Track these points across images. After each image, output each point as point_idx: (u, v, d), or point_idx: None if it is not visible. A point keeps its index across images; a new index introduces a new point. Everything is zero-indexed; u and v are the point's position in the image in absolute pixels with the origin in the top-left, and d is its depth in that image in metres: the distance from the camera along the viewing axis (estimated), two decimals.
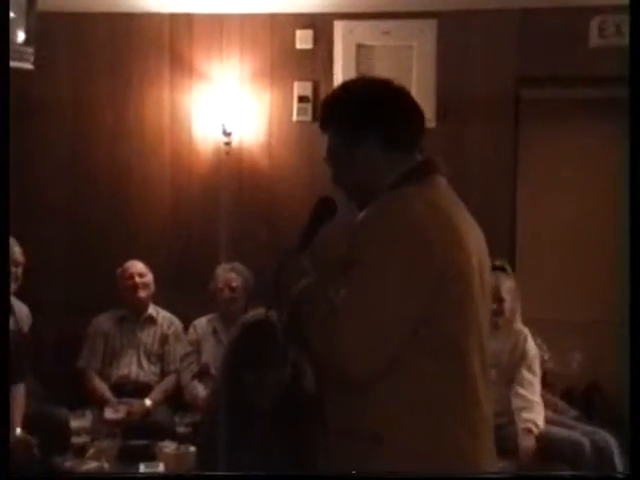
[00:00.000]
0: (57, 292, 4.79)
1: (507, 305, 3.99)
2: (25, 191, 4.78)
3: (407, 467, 1.71)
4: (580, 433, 3.84)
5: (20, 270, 3.89)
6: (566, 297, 4.92)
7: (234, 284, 4.35)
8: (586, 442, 3.76)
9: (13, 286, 3.79)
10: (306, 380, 2.48)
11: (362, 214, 1.86)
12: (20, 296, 4.06)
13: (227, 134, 4.76)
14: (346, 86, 1.99)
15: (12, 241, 3.74)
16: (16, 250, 3.85)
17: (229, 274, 4.38)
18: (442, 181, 1.89)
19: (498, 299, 3.92)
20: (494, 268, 4.05)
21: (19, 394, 3.77)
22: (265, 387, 2.43)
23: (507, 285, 4.02)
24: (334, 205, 1.95)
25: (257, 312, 2.64)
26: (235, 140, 4.80)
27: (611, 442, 3.80)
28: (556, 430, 3.84)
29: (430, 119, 4.79)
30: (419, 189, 1.82)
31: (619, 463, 3.74)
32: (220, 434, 2.46)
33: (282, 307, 1.90)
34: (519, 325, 4.10)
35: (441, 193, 1.86)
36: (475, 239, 1.86)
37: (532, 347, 4.02)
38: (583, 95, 4.72)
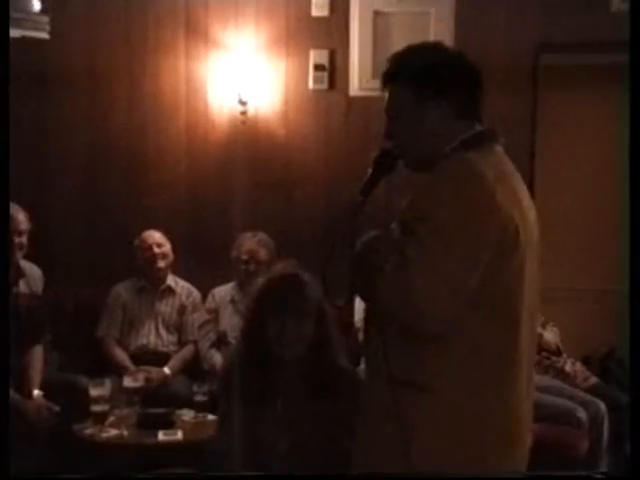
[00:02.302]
0: (76, 261, 4.82)
1: None
2: (41, 161, 4.80)
3: (453, 420, 1.82)
4: (577, 402, 3.92)
5: (25, 238, 3.83)
6: (584, 266, 4.89)
7: (260, 258, 4.30)
8: (579, 409, 3.86)
9: (19, 254, 3.76)
10: (330, 338, 2.48)
11: (429, 175, 1.89)
12: (38, 264, 4.08)
13: (243, 103, 4.74)
14: (416, 47, 2.00)
15: (16, 208, 3.67)
16: (20, 217, 3.76)
17: (255, 247, 4.33)
18: (500, 150, 1.94)
19: None
20: None
21: (37, 357, 3.80)
22: (286, 338, 2.42)
23: None
24: (395, 159, 1.97)
25: (286, 263, 2.64)
26: (251, 109, 4.77)
27: (603, 411, 3.90)
28: (549, 398, 3.85)
29: None
30: (481, 155, 1.87)
31: (607, 428, 3.88)
32: (239, 394, 2.46)
33: (335, 259, 1.92)
34: None
35: (501, 160, 1.92)
36: (529, 206, 1.93)
37: None
38: (603, 61, 4.65)
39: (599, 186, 4.92)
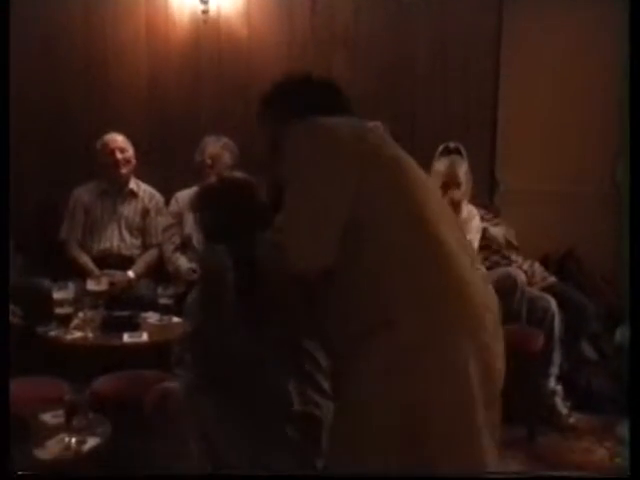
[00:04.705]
0: (36, 164, 4.73)
1: (463, 188, 4.03)
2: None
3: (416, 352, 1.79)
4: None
5: None
6: (546, 168, 4.93)
7: (225, 162, 4.26)
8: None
9: None
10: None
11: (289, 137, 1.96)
12: None
13: (204, 2, 4.60)
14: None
15: None
16: None
17: (220, 150, 4.29)
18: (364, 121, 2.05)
19: (456, 184, 3.97)
20: (449, 151, 4.11)
21: None
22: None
23: (463, 169, 4.05)
24: None
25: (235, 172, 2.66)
26: (212, 8, 4.64)
27: (553, 306, 3.99)
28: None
29: None
30: (345, 120, 1.99)
31: (558, 325, 3.97)
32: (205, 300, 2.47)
33: None
34: (469, 206, 4.15)
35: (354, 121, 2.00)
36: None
37: (478, 223, 4.09)
38: None
39: (565, 93, 4.90)
